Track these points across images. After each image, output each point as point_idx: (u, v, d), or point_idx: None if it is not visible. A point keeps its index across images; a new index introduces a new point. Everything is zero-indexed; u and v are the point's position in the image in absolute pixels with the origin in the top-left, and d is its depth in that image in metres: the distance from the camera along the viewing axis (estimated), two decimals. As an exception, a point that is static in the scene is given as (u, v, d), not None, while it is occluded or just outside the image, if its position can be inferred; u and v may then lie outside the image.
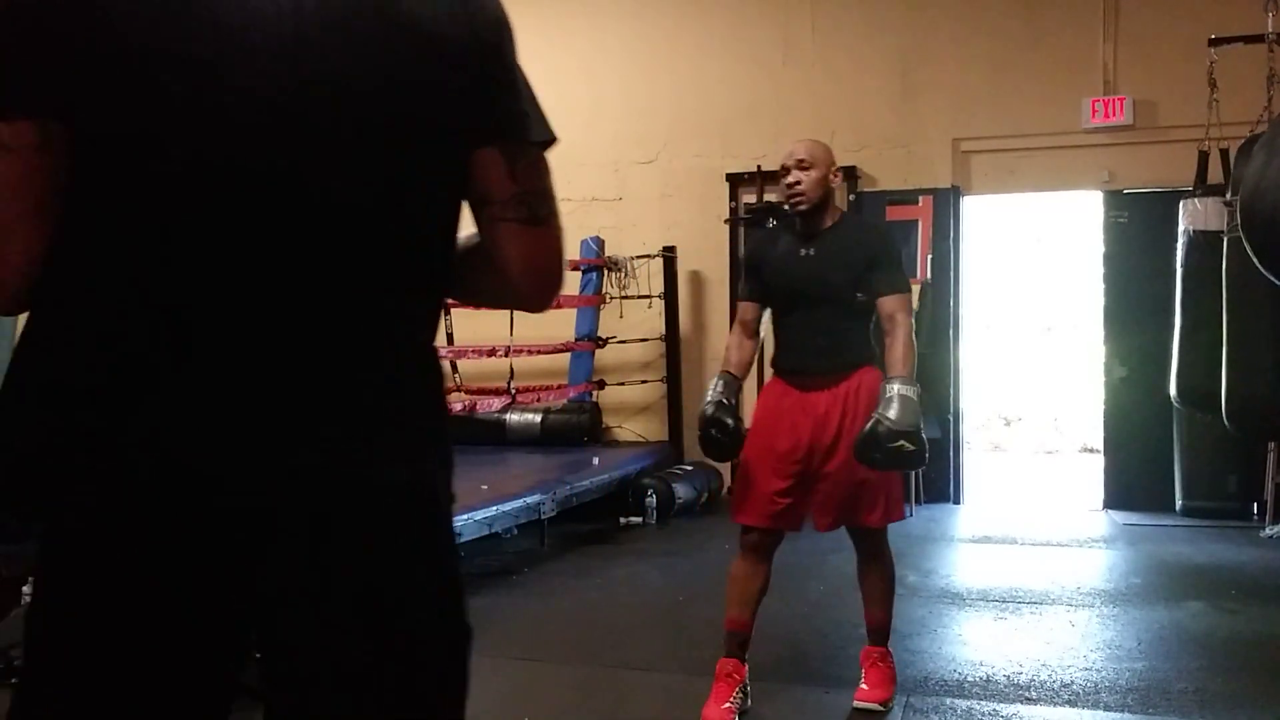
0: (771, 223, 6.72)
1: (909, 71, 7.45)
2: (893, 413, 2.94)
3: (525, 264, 1.21)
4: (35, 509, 1.13)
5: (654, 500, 6.27)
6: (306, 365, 1.11)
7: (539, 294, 1.25)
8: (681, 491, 6.49)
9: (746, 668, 3.23)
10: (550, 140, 1.22)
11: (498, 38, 1.21)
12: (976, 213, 7.78)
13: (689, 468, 6.99)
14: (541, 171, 1.20)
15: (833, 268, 3.15)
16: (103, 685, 1.09)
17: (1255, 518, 6.39)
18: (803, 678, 3.59)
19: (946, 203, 7.27)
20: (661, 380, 7.61)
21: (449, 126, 1.16)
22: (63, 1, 1.04)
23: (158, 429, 1.06)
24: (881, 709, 3.21)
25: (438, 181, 1.17)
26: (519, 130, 1.19)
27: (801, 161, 3.14)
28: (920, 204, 7.31)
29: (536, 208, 1.19)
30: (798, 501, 3.15)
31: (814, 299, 3.18)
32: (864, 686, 3.26)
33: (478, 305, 1.39)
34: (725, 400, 3.21)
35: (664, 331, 7.57)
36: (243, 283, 1.08)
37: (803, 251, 3.18)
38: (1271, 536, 6.02)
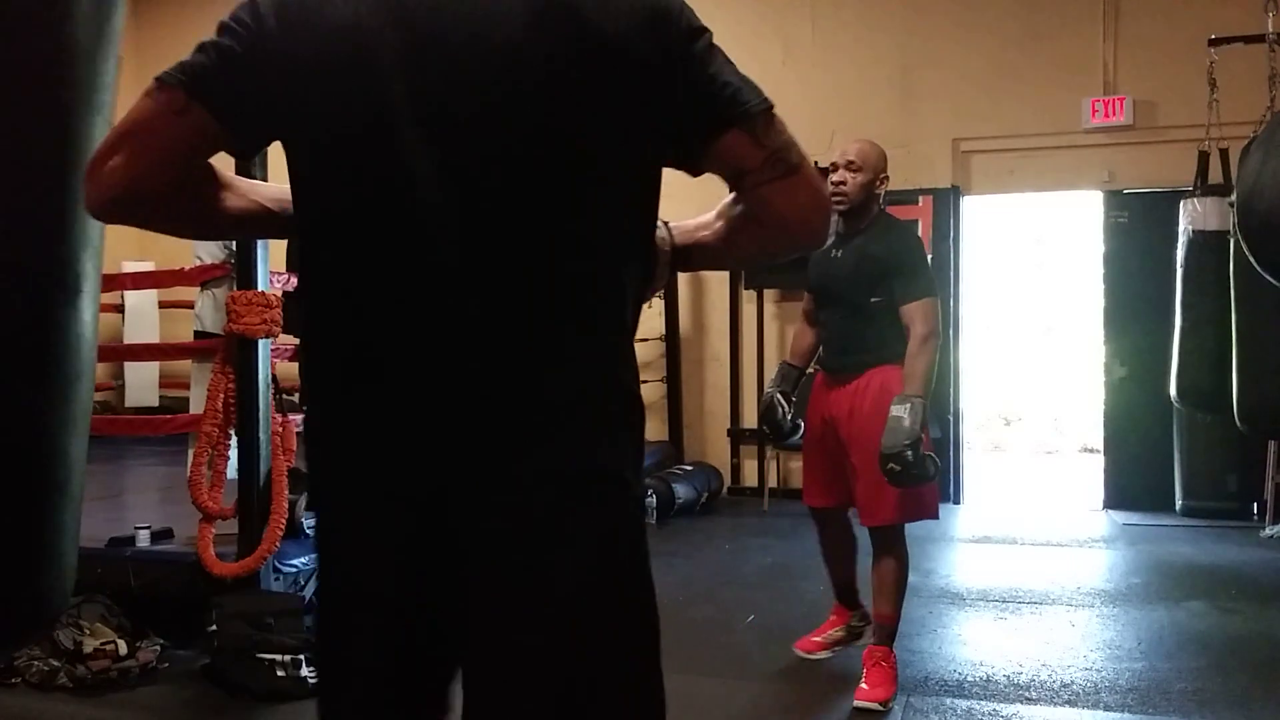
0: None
1: (909, 71, 7.45)
2: (885, 436, 3.04)
3: (797, 208, 1.29)
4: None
5: (654, 500, 6.27)
6: (511, 381, 1.19)
7: (816, 227, 1.33)
8: (681, 492, 6.49)
9: (850, 613, 3.60)
10: (769, 102, 1.28)
11: (688, 47, 1.25)
12: (976, 213, 7.78)
13: (689, 468, 6.99)
14: (778, 128, 1.27)
15: (852, 271, 3.26)
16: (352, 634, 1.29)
17: (1255, 518, 6.39)
18: (803, 678, 3.59)
19: (946, 203, 7.27)
20: (661, 380, 7.61)
21: (642, 143, 1.24)
22: (288, 60, 1.23)
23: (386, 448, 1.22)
24: (881, 709, 3.21)
25: (633, 196, 1.27)
26: (744, 107, 1.25)
27: (851, 163, 3.23)
28: (920, 204, 7.31)
29: (788, 159, 1.27)
30: (839, 484, 3.37)
31: (836, 298, 3.35)
32: (864, 686, 3.27)
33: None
34: (779, 391, 3.47)
35: (664, 332, 7.56)
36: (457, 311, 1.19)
37: (835, 252, 3.29)
38: (1272, 536, 6.02)
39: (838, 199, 3.20)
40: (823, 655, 3.58)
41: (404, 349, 1.20)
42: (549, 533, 1.19)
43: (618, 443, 1.24)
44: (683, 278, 7.66)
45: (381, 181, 1.20)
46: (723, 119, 1.24)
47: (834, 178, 3.22)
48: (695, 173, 1.31)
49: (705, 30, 1.27)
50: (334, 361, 1.25)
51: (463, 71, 1.18)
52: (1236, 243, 4.17)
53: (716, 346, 7.72)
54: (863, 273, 3.24)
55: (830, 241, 3.27)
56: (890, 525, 3.27)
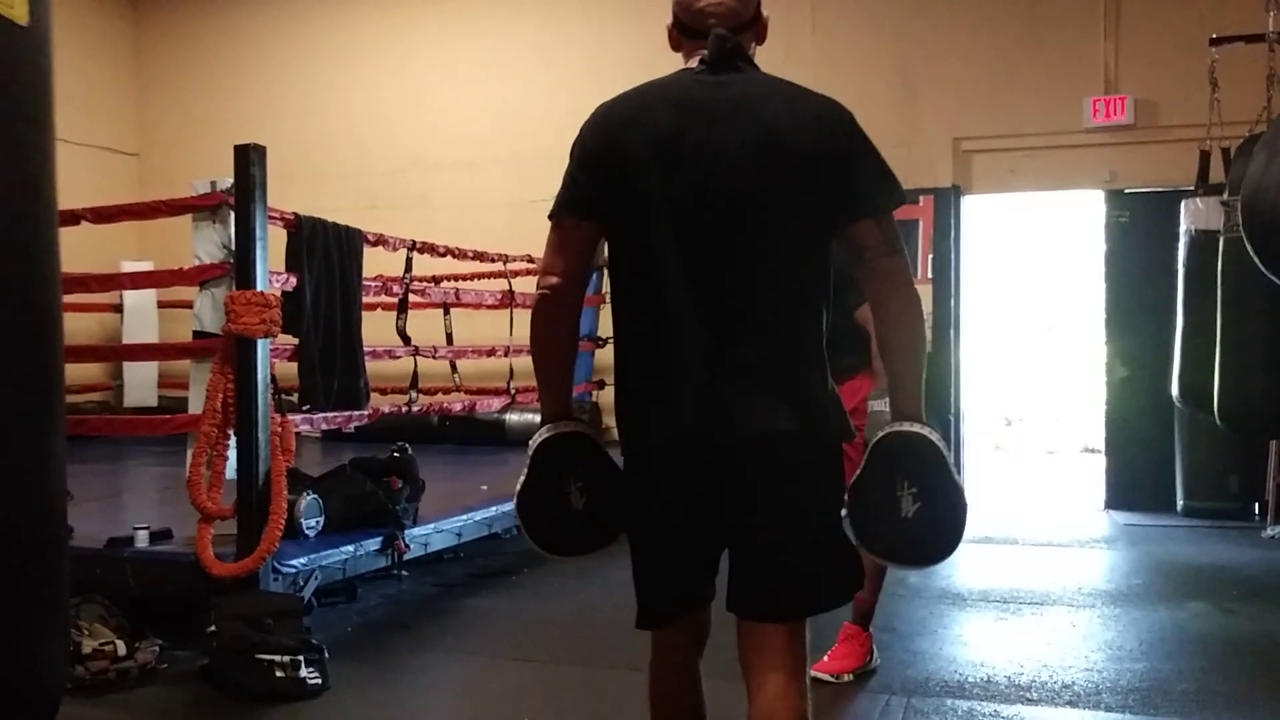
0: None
1: (909, 71, 7.44)
2: (868, 431, 3.03)
3: (894, 275, 1.93)
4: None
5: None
6: (760, 369, 1.90)
7: (905, 287, 1.94)
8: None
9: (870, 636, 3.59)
10: (899, 203, 1.98)
11: (850, 145, 1.98)
12: (976, 213, 7.77)
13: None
14: (892, 223, 1.95)
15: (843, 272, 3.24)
16: (659, 539, 2.03)
17: (1256, 518, 6.39)
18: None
19: (947, 202, 7.27)
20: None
21: (824, 212, 1.92)
22: (609, 161, 1.93)
23: (682, 415, 1.91)
24: (833, 680, 3.42)
25: (815, 245, 1.95)
26: (880, 206, 1.95)
27: None
28: (921, 204, 7.30)
29: (894, 244, 1.94)
30: None
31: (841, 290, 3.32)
32: (825, 658, 3.45)
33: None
34: None
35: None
36: (716, 320, 1.90)
37: None
38: (1273, 537, 6.01)
39: None
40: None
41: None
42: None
43: (817, 407, 1.94)
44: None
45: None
46: (863, 209, 1.94)
47: None
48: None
49: (861, 135, 2.02)
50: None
51: (709, 173, 1.88)
52: (1226, 242, 4.17)
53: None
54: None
55: None
56: None
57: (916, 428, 1.88)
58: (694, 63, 1.97)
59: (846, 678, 3.48)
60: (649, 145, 1.89)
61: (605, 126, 1.97)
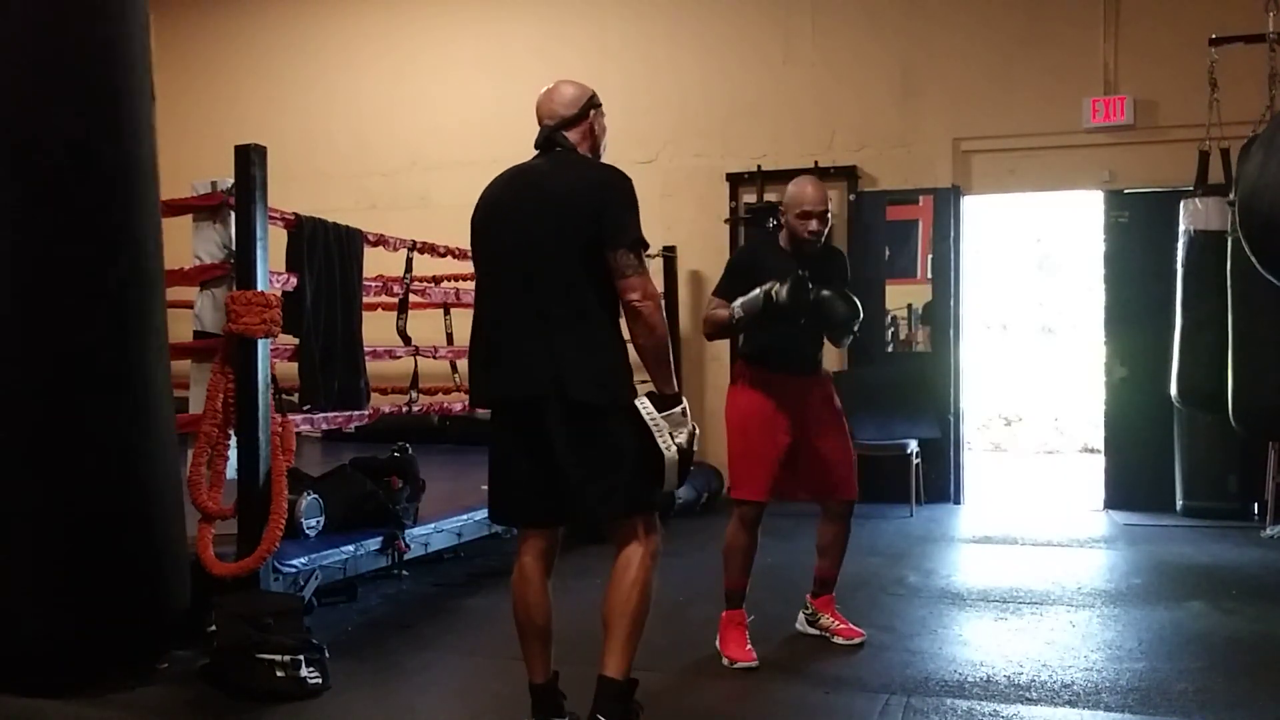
0: (771, 223, 6.74)
1: (909, 71, 7.44)
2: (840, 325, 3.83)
3: (627, 294, 2.75)
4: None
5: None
6: (546, 350, 2.75)
7: (640, 300, 2.77)
8: (681, 492, 6.46)
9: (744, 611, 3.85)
10: (633, 241, 2.77)
11: (604, 197, 2.79)
12: (977, 213, 7.77)
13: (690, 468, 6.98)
14: (633, 255, 2.77)
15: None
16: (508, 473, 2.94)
17: (1255, 518, 6.39)
18: (803, 678, 3.59)
19: (947, 203, 7.27)
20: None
21: (587, 240, 2.75)
22: (482, 224, 2.95)
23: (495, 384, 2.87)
24: (861, 642, 3.89)
25: (582, 262, 2.76)
26: (618, 242, 2.76)
27: (824, 213, 3.75)
28: (920, 204, 7.31)
29: (628, 269, 2.75)
30: (789, 477, 3.78)
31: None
32: (841, 626, 3.94)
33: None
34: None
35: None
36: (516, 316, 2.81)
37: (800, 271, 3.63)
38: (1272, 537, 6.01)
39: (815, 242, 3.76)
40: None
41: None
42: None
43: (600, 376, 2.78)
44: (683, 278, 7.67)
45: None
46: (609, 243, 2.75)
47: (812, 227, 3.71)
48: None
49: (618, 189, 2.82)
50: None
51: (519, 226, 2.84)
52: (1234, 242, 4.16)
53: (716, 346, 7.70)
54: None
55: (782, 258, 3.75)
56: (853, 500, 3.90)
57: (639, 401, 2.75)
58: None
59: (740, 664, 3.68)
60: (486, 210, 2.92)
61: (477, 204, 2.97)
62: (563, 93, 2.96)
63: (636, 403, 2.74)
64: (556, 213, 2.77)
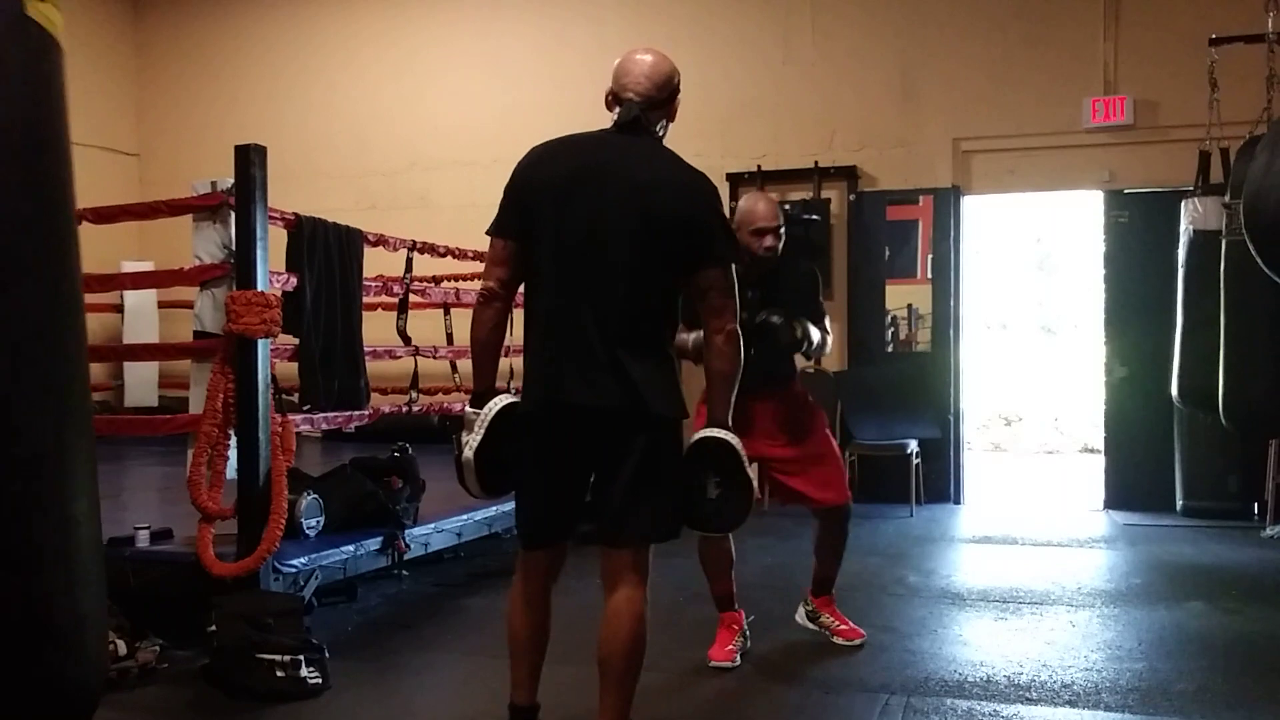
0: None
1: (909, 71, 7.44)
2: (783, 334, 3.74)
3: (724, 313, 2.57)
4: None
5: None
6: (619, 360, 2.51)
7: (730, 324, 2.59)
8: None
9: (742, 613, 3.86)
10: (733, 261, 2.59)
11: (701, 207, 2.57)
12: (976, 213, 7.77)
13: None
14: (731, 276, 2.57)
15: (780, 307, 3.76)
16: (539, 483, 2.66)
17: (1256, 518, 6.40)
18: (803, 678, 3.59)
19: (946, 203, 7.27)
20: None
21: (668, 249, 2.53)
22: (524, 185, 2.61)
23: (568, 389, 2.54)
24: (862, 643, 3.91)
25: (658, 270, 2.55)
26: (716, 260, 2.55)
27: (778, 229, 3.73)
28: (920, 204, 7.31)
29: (728, 292, 2.55)
30: (775, 483, 3.86)
31: (752, 334, 3.69)
32: (842, 626, 3.95)
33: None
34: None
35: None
36: (585, 314, 2.54)
37: (748, 293, 3.48)
38: (1272, 537, 6.01)
39: (771, 254, 3.71)
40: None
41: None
42: None
43: (658, 390, 2.58)
44: (683, 278, 7.66)
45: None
46: (707, 260, 2.54)
47: (767, 244, 3.67)
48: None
49: (713, 200, 2.60)
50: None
51: (591, 210, 2.54)
52: (1228, 244, 4.17)
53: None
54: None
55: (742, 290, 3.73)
56: (845, 503, 3.91)
57: (722, 433, 2.57)
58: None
59: (736, 661, 3.72)
60: (552, 179, 2.55)
61: (523, 164, 2.63)
62: (659, 68, 2.62)
63: (727, 436, 2.55)
64: (643, 212, 2.49)
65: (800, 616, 4.05)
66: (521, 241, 2.59)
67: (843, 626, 3.95)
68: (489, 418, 2.59)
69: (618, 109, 2.60)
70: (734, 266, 2.57)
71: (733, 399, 2.60)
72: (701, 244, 2.52)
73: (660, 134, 2.65)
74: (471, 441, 2.58)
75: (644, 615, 2.60)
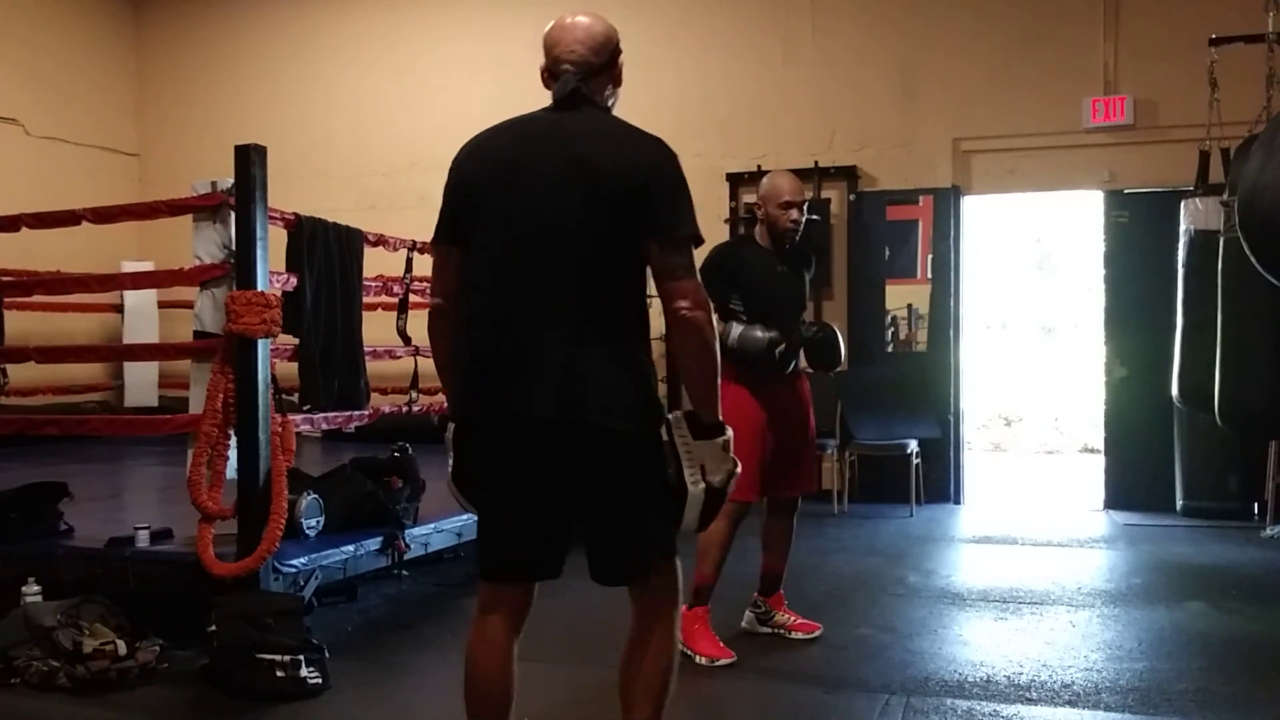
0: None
1: (909, 71, 7.44)
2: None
3: (673, 300, 2.22)
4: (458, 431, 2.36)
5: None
6: (569, 362, 2.20)
7: (685, 314, 2.24)
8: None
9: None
10: (685, 236, 2.24)
11: (654, 177, 2.23)
12: (976, 213, 7.77)
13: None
14: (683, 253, 2.23)
15: (802, 286, 3.92)
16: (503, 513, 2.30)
17: (1256, 518, 6.39)
18: (803, 678, 3.59)
19: (946, 203, 7.27)
20: (662, 380, 7.58)
21: (625, 227, 2.20)
22: (459, 182, 2.35)
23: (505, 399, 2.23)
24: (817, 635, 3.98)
25: (614, 253, 2.23)
26: (668, 234, 2.23)
27: (804, 203, 3.83)
28: (920, 204, 7.31)
29: (678, 270, 2.21)
30: (767, 475, 3.81)
31: (795, 311, 3.89)
32: (798, 621, 4.02)
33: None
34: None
35: (664, 331, 7.54)
36: (527, 312, 2.23)
37: (780, 268, 3.78)
38: (1272, 537, 6.01)
39: (797, 228, 3.81)
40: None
41: None
42: None
43: (630, 402, 2.26)
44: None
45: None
46: (650, 230, 2.22)
47: (794, 216, 3.79)
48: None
49: (666, 170, 2.26)
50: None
51: (536, 194, 2.24)
52: (1226, 242, 4.16)
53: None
54: (804, 288, 3.97)
55: (761, 255, 3.84)
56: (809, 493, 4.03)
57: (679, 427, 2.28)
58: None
59: (721, 661, 3.70)
60: (488, 168, 2.31)
61: (457, 159, 2.39)
62: (591, 31, 2.35)
63: (669, 417, 2.26)
64: (590, 188, 2.18)
65: (749, 622, 4.05)
66: (465, 244, 2.31)
67: (798, 621, 4.00)
68: (451, 439, 2.36)
69: (555, 84, 2.34)
70: (692, 239, 2.24)
71: (707, 389, 2.27)
72: (649, 213, 2.19)
73: (609, 104, 2.39)
74: (449, 467, 2.38)
75: (665, 649, 2.31)
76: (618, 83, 2.42)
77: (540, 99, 2.37)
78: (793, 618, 4.02)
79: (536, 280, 2.21)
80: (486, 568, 2.32)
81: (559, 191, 2.20)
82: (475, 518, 2.38)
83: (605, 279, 2.22)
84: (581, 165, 2.20)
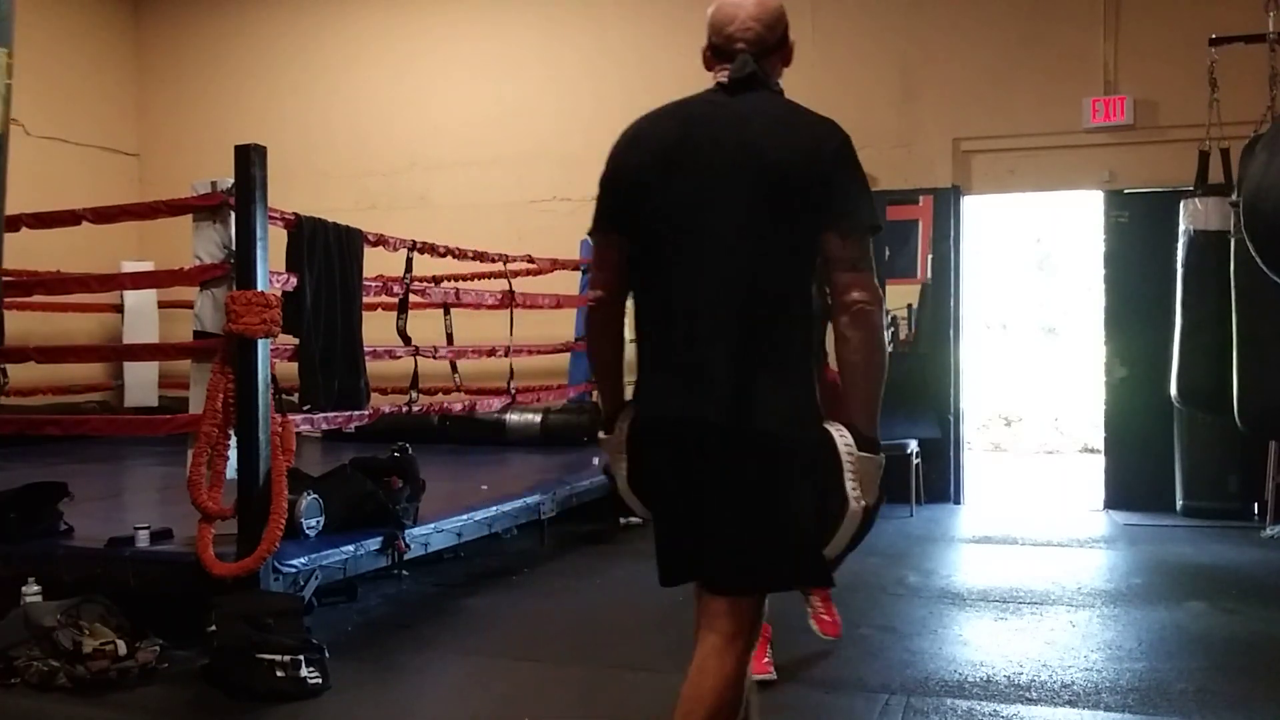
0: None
1: (909, 71, 7.44)
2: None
3: (849, 292, 2.03)
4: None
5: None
6: (729, 359, 2.04)
7: (859, 305, 2.06)
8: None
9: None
10: (865, 226, 2.07)
11: (834, 163, 2.07)
12: (976, 213, 7.77)
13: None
14: (863, 245, 2.05)
15: None
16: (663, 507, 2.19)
17: (1256, 518, 6.40)
18: (802, 678, 3.59)
19: (947, 203, 7.27)
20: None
21: (804, 216, 2.03)
22: (619, 171, 2.16)
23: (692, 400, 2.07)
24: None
25: (792, 244, 2.05)
26: (849, 224, 2.04)
27: None
28: (920, 204, 7.31)
29: (858, 263, 2.03)
30: None
31: None
32: (825, 616, 3.84)
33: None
34: None
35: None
36: (705, 306, 2.07)
37: None
38: (1272, 537, 6.02)
39: None
40: None
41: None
42: None
43: (790, 402, 2.14)
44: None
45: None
46: (831, 221, 2.03)
47: None
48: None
49: (844, 157, 2.10)
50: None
51: (702, 180, 2.08)
52: (1237, 242, 4.16)
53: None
54: None
55: None
56: None
57: (839, 436, 2.15)
58: (722, 77, 2.19)
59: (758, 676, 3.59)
60: (653, 156, 2.12)
61: (618, 147, 2.21)
62: (766, 6, 2.23)
63: (832, 430, 2.09)
64: (767, 176, 2.02)
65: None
66: (626, 236, 2.16)
67: (826, 614, 3.87)
68: (624, 441, 2.20)
69: (724, 67, 2.19)
70: (872, 229, 2.07)
71: (873, 394, 2.14)
72: (829, 202, 2.02)
73: (780, 87, 2.24)
74: (620, 471, 2.22)
75: (733, 677, 2.10)
76: (788, 62, 2.29)
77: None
78: (823, 606, 3.87)
79: (699, 281, 2.06)
80: (661, 573, 2.18)
81: (730, 180, 2.04)
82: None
83: (781, 269, 2.05)
84: (755, 151, 2.04)
